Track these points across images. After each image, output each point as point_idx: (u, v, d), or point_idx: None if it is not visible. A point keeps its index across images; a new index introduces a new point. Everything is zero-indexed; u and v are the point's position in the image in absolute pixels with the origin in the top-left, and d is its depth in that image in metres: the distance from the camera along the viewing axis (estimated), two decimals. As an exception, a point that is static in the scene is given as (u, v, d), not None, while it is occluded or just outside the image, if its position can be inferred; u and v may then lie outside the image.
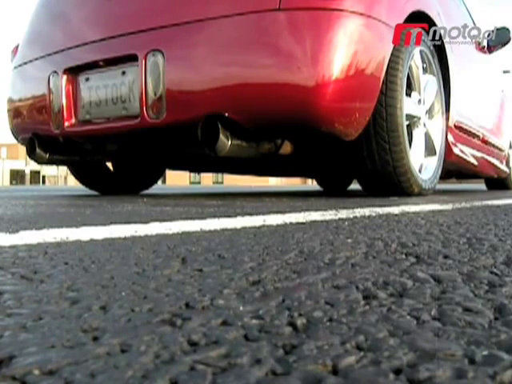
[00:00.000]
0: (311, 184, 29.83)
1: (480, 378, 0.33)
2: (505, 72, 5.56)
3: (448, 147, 3.15)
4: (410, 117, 2.69)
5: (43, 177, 55.97)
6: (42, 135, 2.90)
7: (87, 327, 0.43)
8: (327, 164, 3.60)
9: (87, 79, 2.70)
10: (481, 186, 7.93)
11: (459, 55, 3.25)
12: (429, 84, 2.89)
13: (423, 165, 2.88)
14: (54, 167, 56.90)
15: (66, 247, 0.91)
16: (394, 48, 2.40)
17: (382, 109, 2.41)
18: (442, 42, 2.93)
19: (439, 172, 3.02)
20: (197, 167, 4.17)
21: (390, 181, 2.60)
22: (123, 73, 2.54)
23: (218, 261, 0.78)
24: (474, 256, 0.83)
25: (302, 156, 2.81)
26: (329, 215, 1.66)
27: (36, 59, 2.95)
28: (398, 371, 0.34)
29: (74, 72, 2.75)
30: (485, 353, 0.37)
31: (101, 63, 2.63)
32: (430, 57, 2.86)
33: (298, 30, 2.13)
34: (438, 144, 3.00)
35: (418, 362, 0.36)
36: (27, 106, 3.04)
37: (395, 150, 2.45)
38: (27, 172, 39.45)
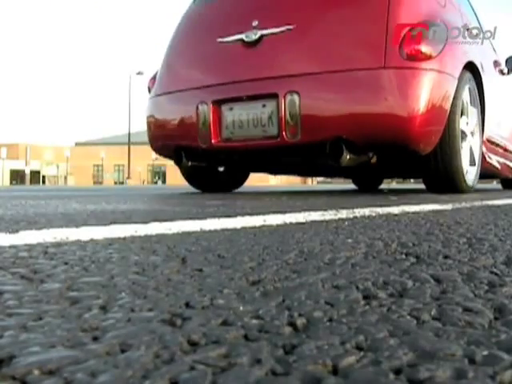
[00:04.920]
0: (311, 184, 29.91)
1: (480, 377, 0.33)
2: None
3: (483, 156, 4.03)
4: (461, 132, 3.52)
5: (43, 177, 55.95)
6: (187, 148, 3.70)
7: (87, 327, 0.43)
8: (402, 169, 4.67)
9: (231, 108, 3.47)
10: (484, 185, 8.02)
11: (490, 85, 4.14)
12: (473, 113, 3.80)
13: (468, 170, 3.67)
14: (54, 167, 56.89)
15: (66, 247, 0.91)
16: (456, 88, 3.31)
17: (446, 125, 3.26)
18: (481, 79, 3.87)
19: (478, 175, 3.89)
20: (292, 172, 5.57)
21: (448, 177, 3.41)
22: (263, 105, 3.33)
23: (218, 261, 0.78)
24: (474, 256, 0.83)
25: (384, 164, 3.82)
26: (329, 215, 1.66)
27: (182, 90, 3.74)
28: (398, 371, 0.34)
29: (219, 103, 3.50)
30: (485, 353, 0.37)
31: (244, 98, 3.39)
32: (473, 94, 3.79)
33: (397, 81, 3.04)
34: (477, 155, 3.88)
35: (418, 362, 0.36)
36: (171, 125, 3.82)
37: (453, 155, 3.32)
38: (27, 172, 39.43)
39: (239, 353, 0.37)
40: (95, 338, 0.40)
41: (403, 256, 0.83)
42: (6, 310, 0.49)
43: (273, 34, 3.34)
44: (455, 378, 0.33)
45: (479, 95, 3.88)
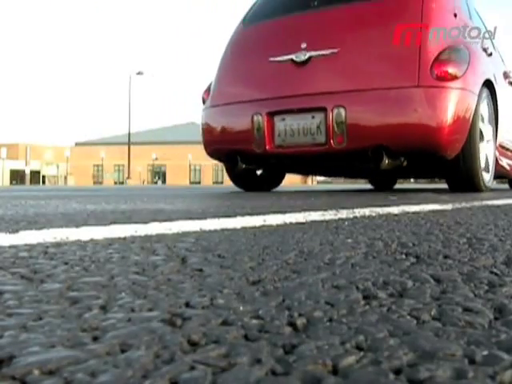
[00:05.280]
0: (311, 184, 30.03)
1: (480, 378, 0.33)
2: None
3: (496, 160, 4.55)
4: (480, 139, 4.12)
5: (43, 177, 55.91)
6: (242, 152, 4.19)
7: (87, 327, 0.43)
8: (427, 171, 5.33)
9: (283, 119, 3.97)
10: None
11: (501, 96, 4.67)
12: (489, 123, 4.34)
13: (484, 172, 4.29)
14: (54, 167, 56.90)
15: (66, 247, 0.91)
16: (476, 103, 3.83)
17: (468, 134, 3.80)
18: (495, 92, 4.40)
19: (492, 176, 4.45)
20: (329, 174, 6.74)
21: (468, 178, 3.92)
22: (313, 117, 3.84)
23: (218, 261, 0.78)
24: (474, 256, 0.83)
25: (413, 167, 4.31)
26: (329, 215, 1.66)
27: (237, 103, 4.25)
28: (398, 371, 0.34)
29: (272, 114, 4.01)
30: (485, 353, 0.37)
31: (295, 110, 3.90)
32: (489, 105, 4.32)
33: (428, 98, 3.59)
34: (492, 159, 4.42)
35: (418, 361, 0.36)
36: (227, 132, 4.34)
37: (473, 159, 3.83)
38: (27, 172, 39.41)
39: (239, 353, 0.37)
40: (95, 338, 0.40)
41: (403, 256, 0.83)
42: (6, 309, 0.49)
43: (320, 55, 3.87)
44: (455, 378, 0.33)
45: (493, 105, 4.42)
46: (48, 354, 0.37)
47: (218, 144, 4.45)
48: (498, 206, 2.32)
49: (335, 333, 0.42)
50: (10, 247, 0.91)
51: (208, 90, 4.63)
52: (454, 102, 3.62)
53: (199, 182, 49.58)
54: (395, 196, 3.64)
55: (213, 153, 4.61)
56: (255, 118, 4.06)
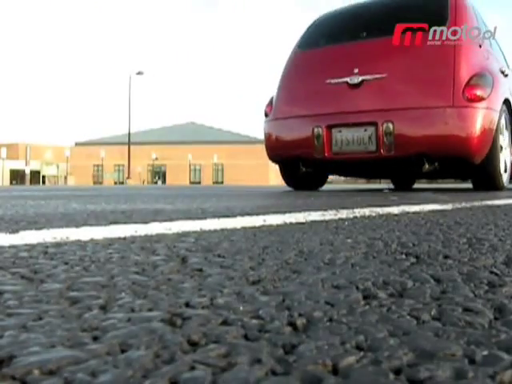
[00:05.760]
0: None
1: (480, 377, 0.33)
2: None
3: (511, 164, 5.57)
4: (500, 147, 5.03)
5: (43, 177, 55.89)
6: (304, 158, 4.97)
7: (87, 327, 0.43)
8: (454, 173, 6.24)
9: (340, 131, 4.78)
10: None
11: None
12: (506, 134, 5.22)
13: (503, 174, 5.11)
14: (54, 167, 56.92)
15: (66, 247, 0.91)
16: (498, 118, 4.69)
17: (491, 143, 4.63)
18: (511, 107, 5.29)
19: (509, 178, 5.26)
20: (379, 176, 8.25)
21: (490, 178, 4.78)
22: (365, 130, 4.65)
23: (218, 261, 0.78)
24: (474, 256, 0.83)
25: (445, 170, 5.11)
26: (329, 215, 1.66)
27: (299, 117, 5.08)
28: (398, 371, 0.34)
29: (331, 127, 4.80)
30: (485, 353, 0.37)
31: (350, 124, 4.69)
32: (507, 119, 5.15)
33: (461, 115, 4.40)
34: (509, 163, 5.25)
35: (417, 361, 0.36)
36: (290, 141, 5.15)
37: (495, 163, 4.67)
38: (27, 172, 39.42)
39: (239, 353, 0.37)
40: (95, 338, 0.40)
41: (403, 256, 0.83)
42: (6, 310, 0.49)
43: (371, 79, 4.64)
44: (455, 378, 0.33)
45: (510, 118, 5.24)
46: (48, 353, 0.37)
47: (280, 150, 5.24)
48: (498, 206, 2.32)
49: (335, 333, 0.42)
50: (10, 247, 0.91)
51: (270, 104, 5.42)
52: (481, 119, 4.44)
53: (199, 182, 49.57)
54: (395, 196, 3.64)
55: (275, 157, 5.41)
56: (315, 129, 4.85)
